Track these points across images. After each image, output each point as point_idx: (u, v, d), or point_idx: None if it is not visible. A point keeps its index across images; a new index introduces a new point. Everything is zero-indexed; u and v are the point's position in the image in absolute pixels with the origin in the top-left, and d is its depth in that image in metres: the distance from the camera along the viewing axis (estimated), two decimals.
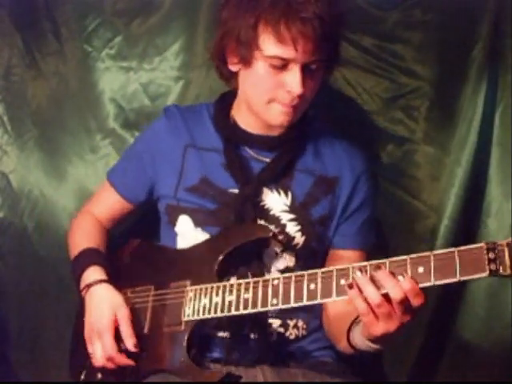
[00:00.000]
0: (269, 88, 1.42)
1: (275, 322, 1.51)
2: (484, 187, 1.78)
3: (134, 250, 1.62)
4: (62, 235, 1.97)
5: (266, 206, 1.52)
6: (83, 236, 1.67)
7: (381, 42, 1.81)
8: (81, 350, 1.54)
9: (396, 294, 1.15)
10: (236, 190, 1.51)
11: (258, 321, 1.48)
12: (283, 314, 1.52)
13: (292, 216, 1.52)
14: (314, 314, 1.57)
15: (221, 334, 1.49)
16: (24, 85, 1.96)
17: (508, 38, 1.72)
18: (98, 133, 1.96)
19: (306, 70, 1.40)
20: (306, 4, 1.34)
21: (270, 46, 1.38)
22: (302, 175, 1.55)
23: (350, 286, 1.20)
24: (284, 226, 1.52)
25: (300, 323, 1.54)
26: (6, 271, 2.00)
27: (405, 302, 1.16)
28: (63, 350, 1.76)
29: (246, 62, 1.42)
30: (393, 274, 1.17)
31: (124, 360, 1.44)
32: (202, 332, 1.46)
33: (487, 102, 1.75)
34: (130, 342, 1.43)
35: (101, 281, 1.51)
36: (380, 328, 1.20)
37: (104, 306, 1.47)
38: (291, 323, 1.53)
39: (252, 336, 1.48)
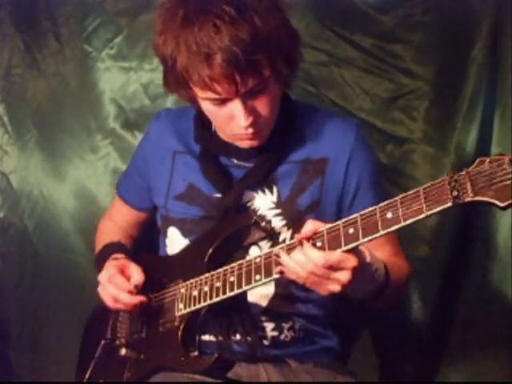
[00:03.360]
0: (221, 122, 1.37)
1: (268, 326, 1.50)
2: None
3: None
4: (62, 235, 1.99)
5: (252, 207, 1.49)
6: (104, 237, 1.68)
7: (380, 43, 1.80)
8: (88, 355, 1.56)
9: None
10: (220, 195, 1.49)
11: (250, 325, 1.48)
12: (277, 317, 1.51)
13: (277, 211, 1.48)
14: (311, 316, 1.54)
15: (213, 339, 1.49)
16: (24, 85, 1.97)
17: (508, 38, 1.71)
18: (98, 133, 1.97)
19: (249, 95, 1.30)
20: (209, 42, 1.22)
21: (197, 90, 1.30)
22: (286, 167, 1.47)
23: None
24: (269, 221, 1.48)
25: (297, 325, 1.52)
26: (6, 271, 2.00)
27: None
28: (63, 350, 1.77)
29: (191, 100, 1.37)
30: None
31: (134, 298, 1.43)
32: (196, 329, 1.46)
33: (487, 102, 1.75)
34: (135, 279, 1.43)
35: (112, 259, 1.52)
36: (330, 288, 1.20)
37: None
38: (286, 326, 1.51)
39: (245, 340, 1.48)
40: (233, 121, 1.34)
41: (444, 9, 1.77)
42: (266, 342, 1.50)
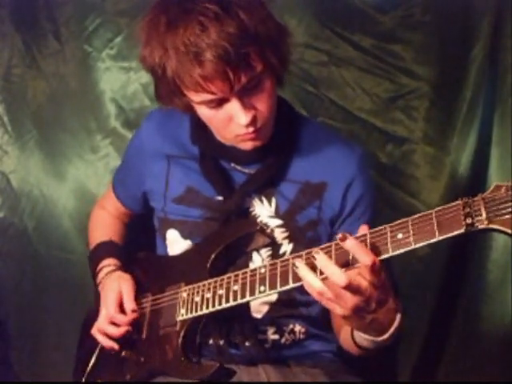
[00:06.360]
0: (220, 126, 1.34)
1: (270, 330, 1.50)
2: (484, 187, 1.78)
3: (131, 263, 1.62)
4: (61, 235, 1.99)
5: (253, 213, 1.47)
6: (97, 230, 1.71)
7: (380, 43, 1.80)
8: (85, 356, 1.56)
9: (337, 279, 1.09)
10: (222, 198, 1.47)
11: (251, 329, 1.47)
12: (278, 321, 1.50)
13: (279, 222, 1.47)
14: (313, 318, 1.54)
15: (213, 343, 1.48)
16: (24, 85, 1.97)
17: (508, 38, 1.71)
18: (99, 133, 1.97)
19: (245, 92, 1.27)
20: (197, 40, 1.19)
21: (190, 94, 1.28)
22: (285, 185, 1.46)
23: None
24: (272, 231, 1.47)
25: (297, 328, 1.52)
26: (6, 271, 2.00)
27: (350, 286, 1.09)
28: (63, 350, 1.77)
29: (187, 108, 1.34)
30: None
31: (124, 319, 1.45)
32: (197, 335, 1.45)
33: (487, 102, 1.75)
34: (128, 307, 1.46)
35: (111, 272, 1.54)
36: (341, 311, 1.13)
37: (111, 284, 1.51)
38: (287, 329, 1.51)
39: (246, 344, 1.47)
40: (232, 122, 1.32)
41: (444, 9, 1.77)
42: (266, 346, 1.50)
